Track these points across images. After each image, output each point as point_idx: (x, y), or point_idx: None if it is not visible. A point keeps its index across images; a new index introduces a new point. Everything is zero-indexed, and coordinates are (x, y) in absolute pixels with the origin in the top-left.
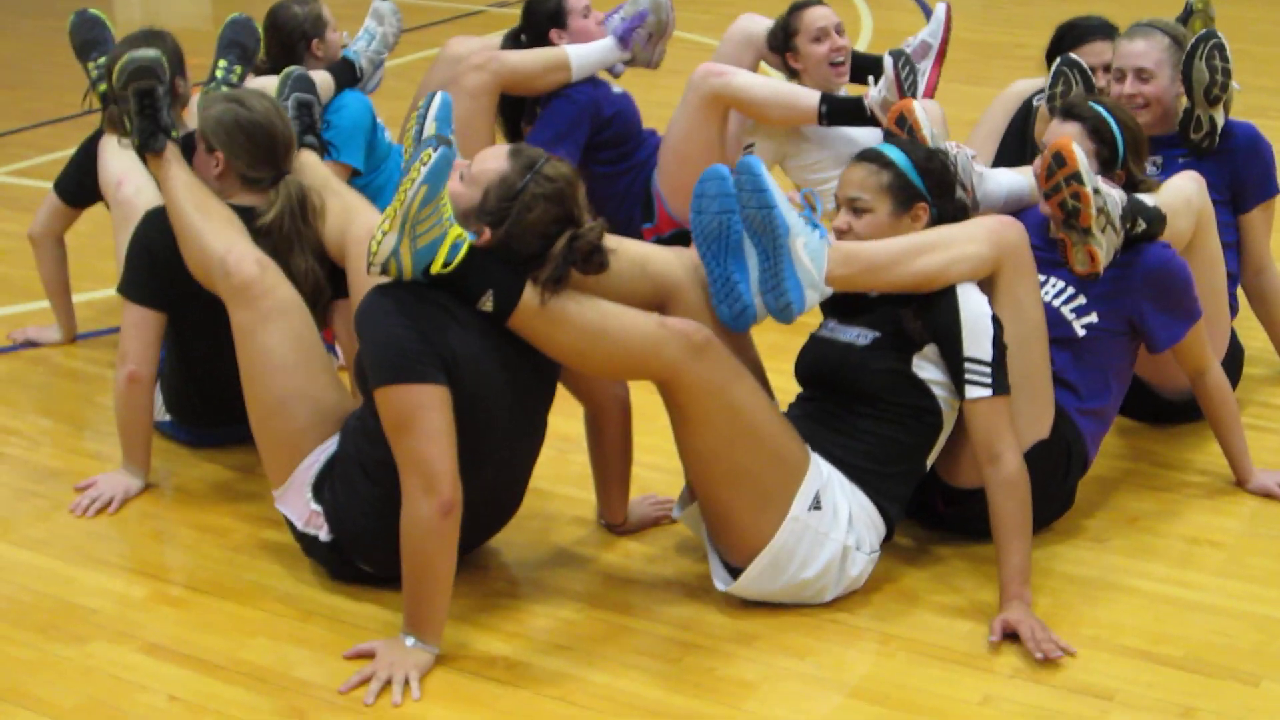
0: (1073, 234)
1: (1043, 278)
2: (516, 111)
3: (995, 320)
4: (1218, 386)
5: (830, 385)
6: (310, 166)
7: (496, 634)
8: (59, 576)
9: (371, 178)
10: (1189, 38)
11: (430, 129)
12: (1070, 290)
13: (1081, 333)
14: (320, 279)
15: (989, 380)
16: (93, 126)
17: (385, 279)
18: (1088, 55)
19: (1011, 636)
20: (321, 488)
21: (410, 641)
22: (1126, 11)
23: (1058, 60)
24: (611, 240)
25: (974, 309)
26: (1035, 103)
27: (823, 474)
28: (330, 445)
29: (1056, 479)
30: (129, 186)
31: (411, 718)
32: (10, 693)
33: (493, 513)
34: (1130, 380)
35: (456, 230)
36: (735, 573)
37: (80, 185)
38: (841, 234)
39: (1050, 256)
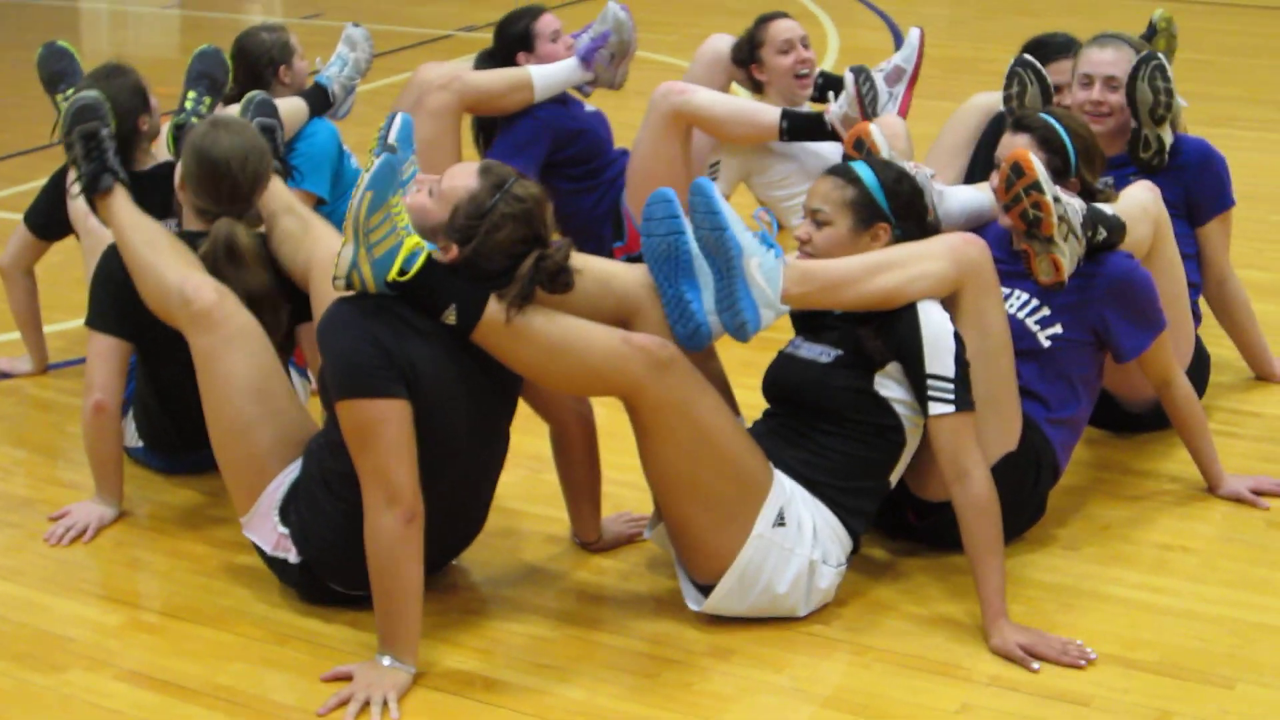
0: (1035, 244)
1: (1006, 290)
2: (490, 132)
3: (957, 337)
4: (1184, 397)
5: (794, 402)
6: (273, 191)
7: (473, 652)
8: (34, 605)
9: (336, 205)
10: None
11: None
12: (1034, 302)
13: (1046, 344)
14: (276, 303)
15: (952, 396)
16: (63, 158)
17: (350, 293)
18: (1054, 74)
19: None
20: (288, 510)
21: (387, 661)
22: (1091, 27)
23: (1012, 61)
24: (577, 259)
25: (935, 326)
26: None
27: (786, 490)
28: (294, 469)
29: (1026, 489)
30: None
31: None
32: None
33: (457, 526)
34: (1099, 389)
35: (414, 240)
36: (706, 591)
37: (50, 218)
38: (801, 243)
39: (1013, 269)
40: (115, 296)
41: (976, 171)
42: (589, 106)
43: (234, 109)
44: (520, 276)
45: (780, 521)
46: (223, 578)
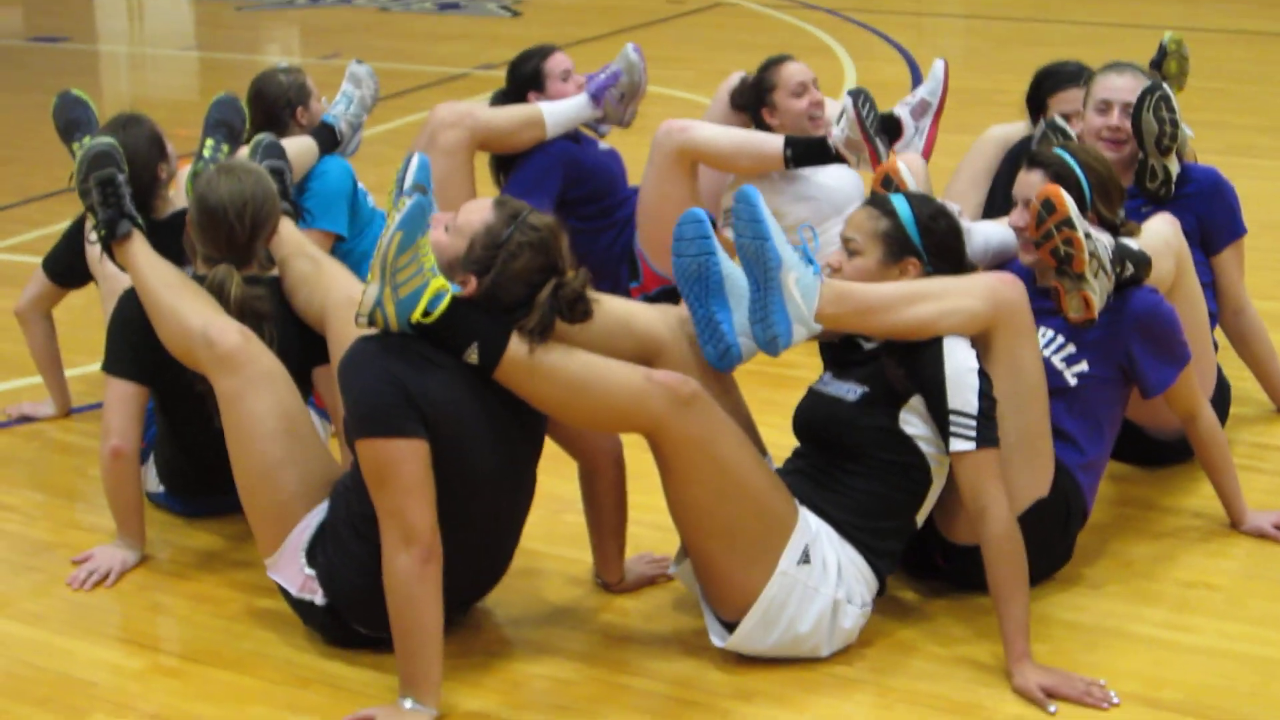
0: (1066, 280)
1: None
2: (506, 169)
3: (983, 374)
4: (1210, 430)
5: (820, 440)
6: (283, 235)
7: (494, 694)
8: (57, 650)
9: (355, 244)
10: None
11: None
12: (1060, 339)
13: (1073, 382)
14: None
15: (973, 433)
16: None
17: (373, 330)
18: (1064, 102)
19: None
20: (315, 552)
21: (409, 704)
22: (1105, 57)
23: (1042, 123)
24: (595, 295)
25: (959, 362)
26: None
27: (811, 528)
28: (321, 510)
29: (1055, 536)
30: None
31: None
32: None
33: (484, 567)
34: (1119, 427)
35: (439, 281)
36: (730, 628)
37: (70, 267)
38: (832, 270)
39: (1039, 305)
40: (132, 341)
41: (995, 204)
42: (603, 145)
43: (243, 151)
44: (539, 305)
45: (805, 559)
46: (244, 621)
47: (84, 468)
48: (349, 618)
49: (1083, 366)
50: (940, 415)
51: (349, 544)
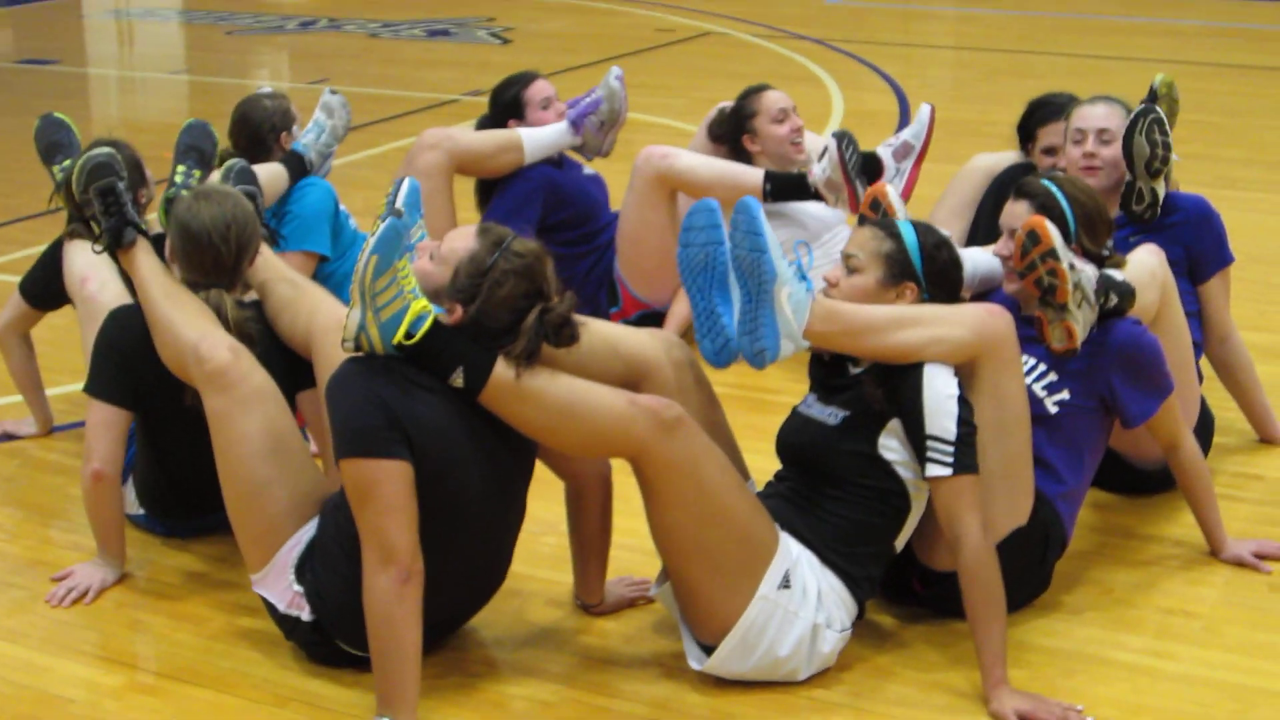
0: (1049, 311)
1: None
2: (487, 195)
3: (963, 401)
4: (1192, 460)
5: (800, 463)
6: (260, 260)
7: (474, 715)
8: (36, 667)
9: (338, 265)
10: None
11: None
12: (1043, 367)
13: (1054, 410)
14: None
15: (950, 459)
16: (61, 228)
17: (359, 354)
18: (1055, 134)
19: None
20: (304, 569)
21: None
22: (1093, 90)
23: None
24: (582, 319)
25: (939, 388)
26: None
27: (792, 553)
28: (310, 528)
29: (1033, 564)
30: (93, 283)
31: None
32: None
33: (473, 588)
34: (1102, 455)
35: (420, 304)
36: (709, 651)
37: (47, 289)
38: (829, 284)
39: (1022, 333)
40: (116, 364)
41: (979, 233)
42: (587, 169)
43: (215, 176)
44: (525, 330)
45: (785, 584)
46: (224, 640)
47: (65, 486)
48: (335, 635)
49: (1064, 395)
50: (918, 440)
51: (337, 562)
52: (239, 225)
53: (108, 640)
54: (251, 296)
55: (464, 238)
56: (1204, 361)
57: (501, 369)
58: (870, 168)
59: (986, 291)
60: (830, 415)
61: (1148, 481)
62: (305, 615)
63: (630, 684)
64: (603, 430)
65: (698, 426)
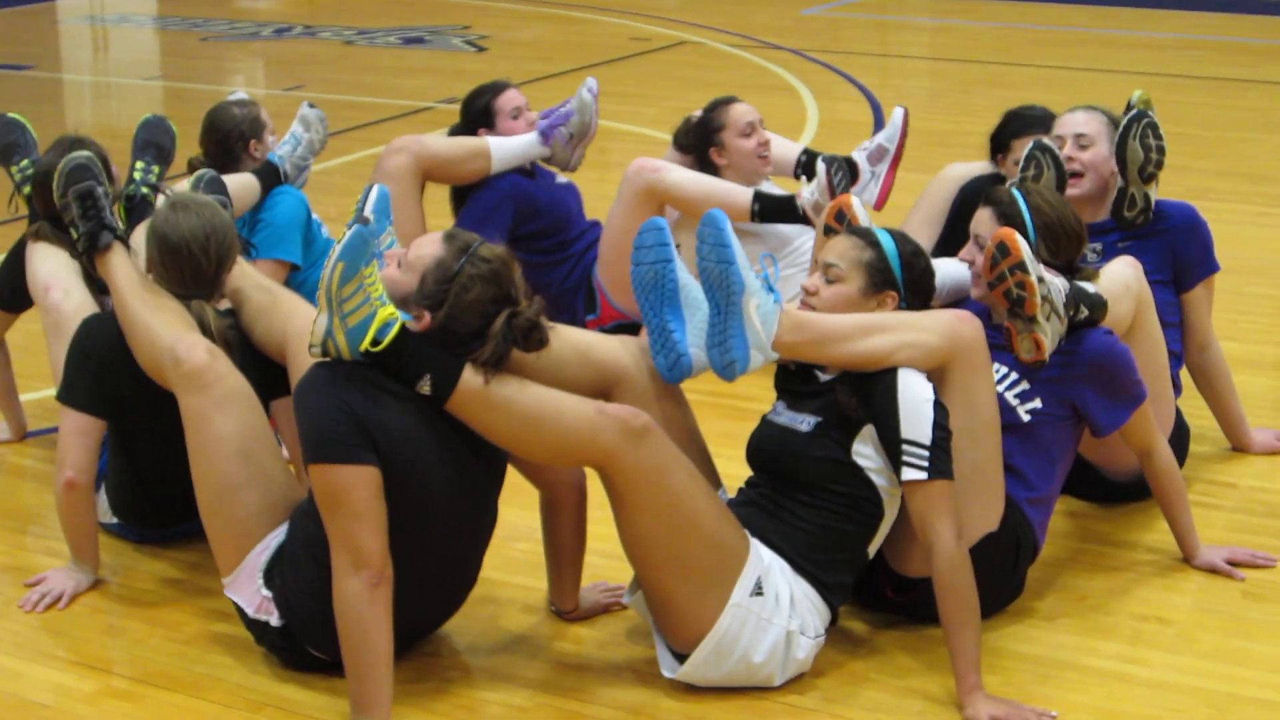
0: (1018, 322)
1: None
2: (460, 203)
3: (939, 405)
4: (1165, 466)
5: (771, 470)
6: (234, 268)
7: None
8: (8, 672)
9: (309, 274)
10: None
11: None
12: (1014, 375)
13: (1026, 418)
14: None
15: (926, 463)
16: (21, 230)
17: (326, 360)
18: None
19: None
20: (272, 574)
21: None
22: (1068, 101)
23: (1030, 144)
24: (552, 325)
25: (914, 392)
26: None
27: (763, 560)
28: (280, 532)
29: (1005, 570)
30: (57, 291)
31: None
32: None
33: (442, 595)
34: (1072, 463)
35: (387, 310)
36: (682, 659)
37: (13, 291)
38: (807, 293)
39: (994, 341)
40: (90, 373)
41: (950, 242)
42: (561, 178)
43: (184, 185)
44: (493, 335)
45: (758, 591)
46: (198, 645)
47: (39, 491)
48: (303, 640)
49: (1036, 404)
50: (892, 444)
51: (305, 568)
52: (218, 236)
53: (81, 645)
54: (225, 305)
55: (430, 244)
56: (1182, 372)
57: (469, 376)
58: (849, 178)
59: (958, 301)
60: (801, 422)
61: (1120, 492)
62: (274, 620)
63: (605, 690)
64: (570, 439)
65: (665, 435)
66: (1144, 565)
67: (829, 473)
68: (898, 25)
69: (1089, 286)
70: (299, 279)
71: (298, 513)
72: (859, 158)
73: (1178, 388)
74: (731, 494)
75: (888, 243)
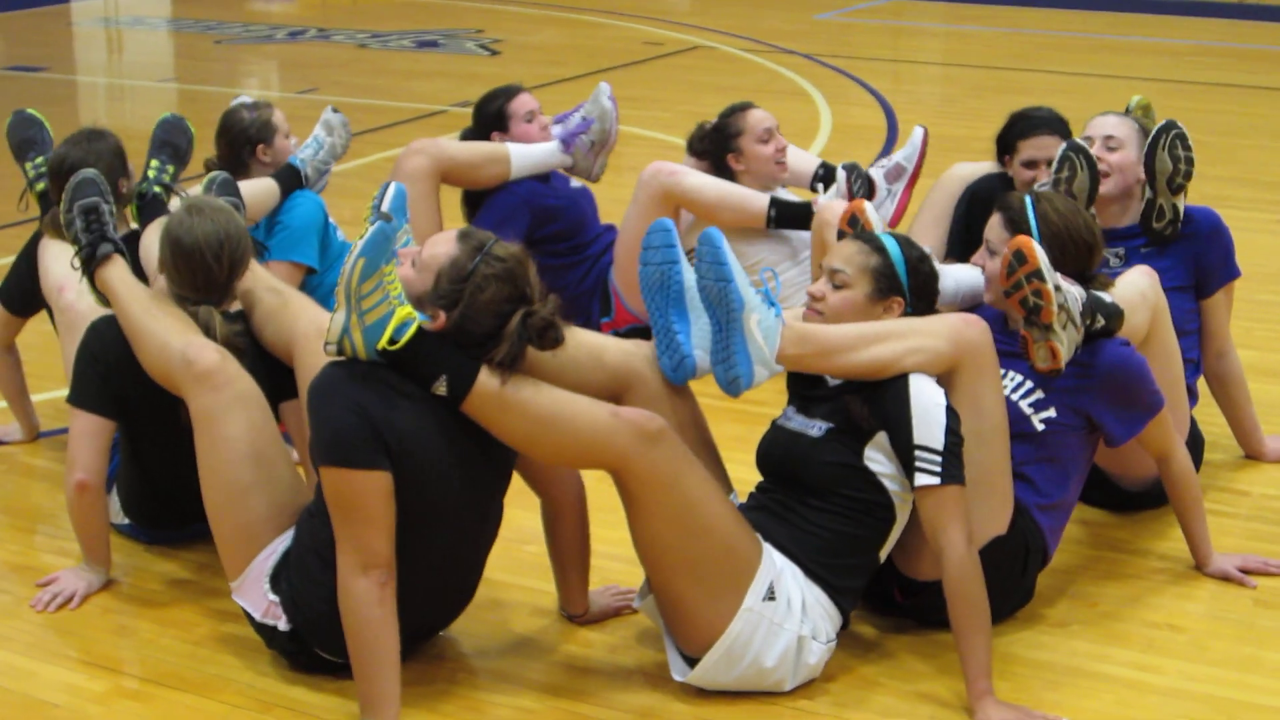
0: (1034, 330)
1: (1002, 371)
2: (474, 208)
3: (950, 411)
4: (1182, 472)
5: (782, 475)
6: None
7: None
8: (20, 672)
9: (324, 277)
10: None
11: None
12: (1029, 384)
13: (1040, 427)
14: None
15: (938, 469)
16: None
17: (341, 358)
18: (1034, 148)
19: None
20: (279, 578)
21: None
22: (1080, 106)
23: (1064, 146)
24: (567, 326)
25: (926, 398)
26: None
27: (776, 565)
28: (287, 537)
29: (1014, 575)
30: (70, 292)
31: None
32: None
33: (447, 596)
34: (1089, 472)
35: (405, 310)
36: (693, 663)
37: (25, 293)
38: (813, 299)
39: (1010, 349)
40: (99, 374)
41: (953, 241)
42: (575, 182)
43: (197, 187)
44: (508, 334)
45: (770, 596)
46: (209, 645)
47: (52, 491)
48: (313, 643)
49: (1050, 413)
50: (905, 450)
51: (314, 571)
52: (232, 242)
53: (92, 645)
54: (235, 306)
55: (445, 243)
56: (1199, 381)
57: (485, 377)
58: (867, 189)
59: (972, 308)
60: (813, 427)
61: (1133, 500)
62: (282, 624)
63: (614, 693)
64: (585, 441)
65: (679, 439)
66: (1157, 573)
67: (840, 477)
68: (910, 30)
69: (1105, 296)
70: (314, 282)
71: (304, 514)
72: (876, 175)
73: (1194, 396)
74: (743, 499)
75: (893, 248)
